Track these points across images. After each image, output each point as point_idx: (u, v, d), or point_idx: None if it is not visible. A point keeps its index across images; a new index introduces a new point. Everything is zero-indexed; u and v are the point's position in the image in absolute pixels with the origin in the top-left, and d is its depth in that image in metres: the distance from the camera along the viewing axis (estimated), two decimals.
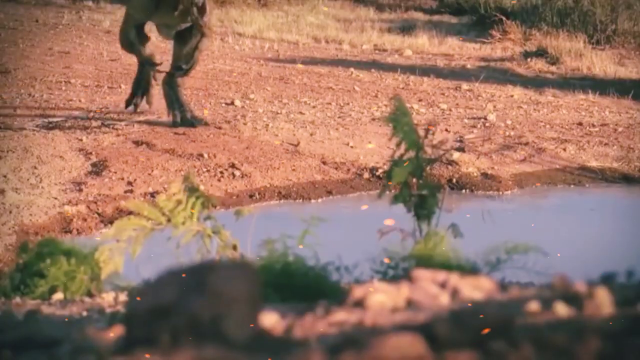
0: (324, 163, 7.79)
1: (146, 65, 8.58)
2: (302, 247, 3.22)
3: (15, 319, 2.68)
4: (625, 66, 12.37)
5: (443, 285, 2.02)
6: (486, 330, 1.58)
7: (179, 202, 3.48)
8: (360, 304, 1.90)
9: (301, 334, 1.76)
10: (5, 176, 7.08)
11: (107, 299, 3.26)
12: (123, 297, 3.21)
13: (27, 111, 9.07)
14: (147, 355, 1.57)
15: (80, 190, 6.95)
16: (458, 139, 8.53)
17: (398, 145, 3.53)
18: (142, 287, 1.86)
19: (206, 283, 1.68)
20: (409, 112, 3.66)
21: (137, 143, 8.02)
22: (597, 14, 13.92)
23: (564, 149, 8.34)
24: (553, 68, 12.20)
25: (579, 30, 13.61)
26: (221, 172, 7.44)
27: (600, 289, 1.78)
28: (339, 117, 9.26)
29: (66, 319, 2.80)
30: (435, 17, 16.53)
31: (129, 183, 7.15)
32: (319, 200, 7.28)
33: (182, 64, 8.51)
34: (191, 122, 8.66)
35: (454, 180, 7.56)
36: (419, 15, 16.78)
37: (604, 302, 1.74)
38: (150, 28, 8.78)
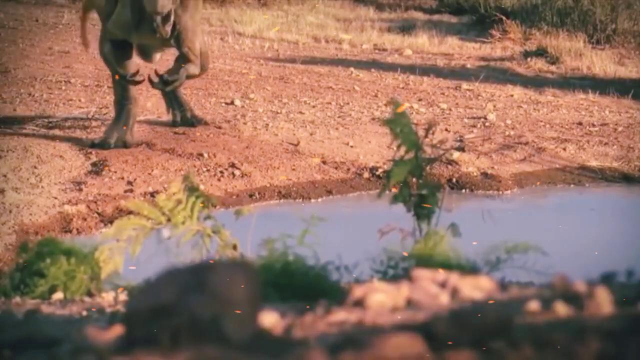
0: (324, 163, 7.79)
1: (122, 78, 8.00)
2: (302, 246, 3.22)
3: (15, 319, 2.68)
4: (625, 66, 12.37)
5: (443, 285, 2.02)
6: (486, 330, 1.58)
7: (178, 201, 3.48)
8: (360, 303, 1.90)
9: (301, 334, 1.76)
10: (5, 176, 7.08)
11: (107, 298, 3.26)
12: (123, 296, 3.22)
13: (27, 111, 9.07)
14: (147, 355, 1.57)
15: (80, 189, 6.95)
16: (458, 138, 8.53)
17: (398, 147, 3.53)
18: (142, 286, 1.86)
19: (206, 283, 1.68)
20: (407, 112, 3.66)
21: (137, 143, 8.02)
22: (597, 13, 13.92)
23: (564, 149, 8.34)
24: (553, 68, 12.20)
25: (579, 29, 13.61)
26: (221, 172, 7.44)
27: (600, 289, 1.78)
28: (339, 117, 9.26)
29: (66, 319, 2.80)
30: (435, 17, 16.53)
31: (129, 182, 7.16)
32: (319, 199, 7.28)
33: (166, 76, 7.92)
34: (191, 121, 8.61)
35: (454, 180, 7.56)
36: (419, 15, 16.78)
37: (604, 302, 1.74)
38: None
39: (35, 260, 3.43)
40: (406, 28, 14.98)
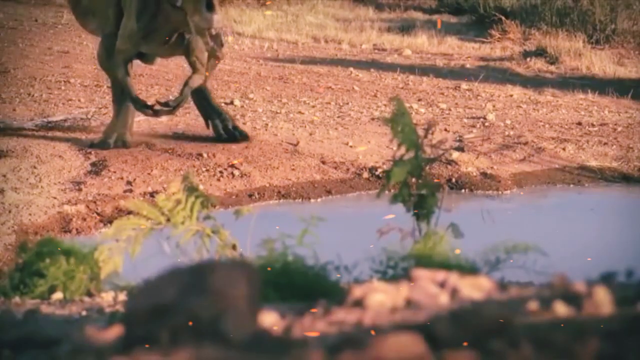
0: (324, 162, 7.79)
1: (135, 104, 7.84)
2: (302, 246, 3.22)
3: (14, 319, 2.68)
4: (625, 66, 12.37)
5: (442, 285, 2.02)
6: (485, 330, 1.58)
7: (178, 201, 3.48)
8: (359, 303, 1.90)
9: (300, 334, 1.76)
10: (4, 176, 7.08)
11: (107, 298, 3.26)
12: (122, 296, 3.21)
13: (27, 111, 9.07)
14: (147, 355, 1.57)
15: (80, 189, 6.95)
16: (457, 138, 8.53)
17: (399, 146, 3.53)
18: (141, 286, 1.86)
19: (206, 283, 1.68)
20: (408, 112, 3.66)
21: (137, 142, 8.02)
22: (597, 13, 13.92)
23: (563, 149, 8.34)
24: (552, 68, 12.20)
25: (578, 29, 13.61)
26: (220, 172, 7.44)
27: (600, 289, 1.78)
28: (338, 117, 9.26)
29: (65, 319, 2.80)
30: (435, 17, 16.53)
31: (129, 182, 7.15)
32: (318, 199, 7.28)
33: (170, 100, 7.85)
34: (234, 133, 8.10)
35: (454, 180, 7.56)
36: (418, 15, 16.78)
37: (603, 302, 1.74)
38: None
39: (35, 260, 3.43)
40: (405, 28, 14.99)
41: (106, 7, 8.00)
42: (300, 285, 2.98)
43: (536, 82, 11.16)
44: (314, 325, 1.80)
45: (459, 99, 10.26)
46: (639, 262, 2.41)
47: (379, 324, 1.77)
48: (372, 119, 9.13)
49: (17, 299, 3.27)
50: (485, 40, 13.93)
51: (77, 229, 6.40)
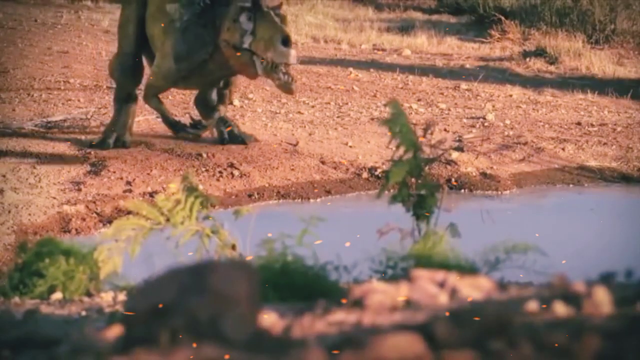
0: (323, 163, 7.79)
1: (173, 128, 7.89)
2: (301, 246, 3.22)
3: (14, 319, 2.68)
4: (624, 66, 12.38)
5: (442, 285, 2.02)
6: (485, 330, 1.58)
7: (177, 201, 3.48)
8: (359, 303, 1.90)
9: (300, 334, 1.76)
10: (4, 176, 7.08)
11: (106, 298, 3.26)
12: (122, 296, 3.21)
13: (26, 111, 9.07)
14: (146, 355, 1.57)
15: (79, 189, 6.94)
16: (457, 138, 8.53)
17: (397, 147, 3.53)
18: (141, 286, 1.86)
19: (205, 283, 1.68)
20: (405, 113, 3.66)
21: (136, 142, 8.02)
22: (596, 13, 13.93)
23: (563, 149, 8.34)
24: (552, 68, 12.21)
25: (578, 29, 13.62)
26: (220, 172, 7.44)
27: (599, 289, 1.78)
28: (338, 117, 9.26)
29: (65, 319, 2.80)
30: (434, 17, 16.54)
31: (128, 183, 7.15)
32: (318, 200, 7.28)
33: (203, 123, 7.92)
34: (241, 137, 8.08)
35: (453, 180, 7.55)
36: (418, 15, 16.78)
37: (603, 302, 1.74)
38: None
39: (34, 260, 3.43)
40: (405, 28, 14.99)
41: (125, 21, 7.97)
42: (299, 285, 2.98)
43: (536, 82, 11.16)
44: (314, 325, 1.80)
45: (458, 99, 10.26)
46: (639, 262, 2.41)
47: (378, 324, 1.77)
48: (372, 119, 9.13)
49: (16, 299, 3.27)
50: (484, 40, 13.94)
51: (76, 229, 6.40)
